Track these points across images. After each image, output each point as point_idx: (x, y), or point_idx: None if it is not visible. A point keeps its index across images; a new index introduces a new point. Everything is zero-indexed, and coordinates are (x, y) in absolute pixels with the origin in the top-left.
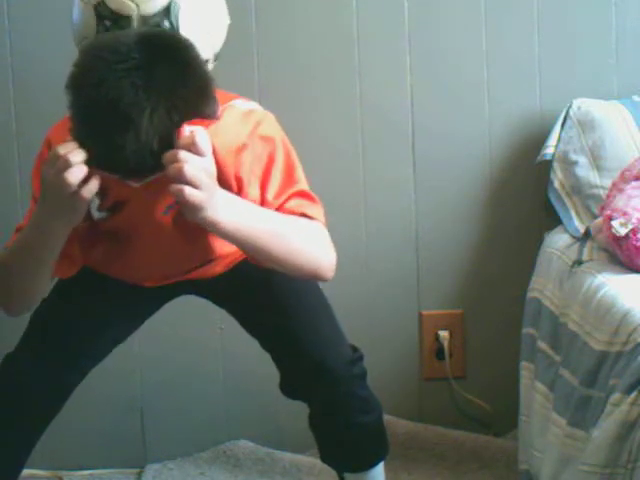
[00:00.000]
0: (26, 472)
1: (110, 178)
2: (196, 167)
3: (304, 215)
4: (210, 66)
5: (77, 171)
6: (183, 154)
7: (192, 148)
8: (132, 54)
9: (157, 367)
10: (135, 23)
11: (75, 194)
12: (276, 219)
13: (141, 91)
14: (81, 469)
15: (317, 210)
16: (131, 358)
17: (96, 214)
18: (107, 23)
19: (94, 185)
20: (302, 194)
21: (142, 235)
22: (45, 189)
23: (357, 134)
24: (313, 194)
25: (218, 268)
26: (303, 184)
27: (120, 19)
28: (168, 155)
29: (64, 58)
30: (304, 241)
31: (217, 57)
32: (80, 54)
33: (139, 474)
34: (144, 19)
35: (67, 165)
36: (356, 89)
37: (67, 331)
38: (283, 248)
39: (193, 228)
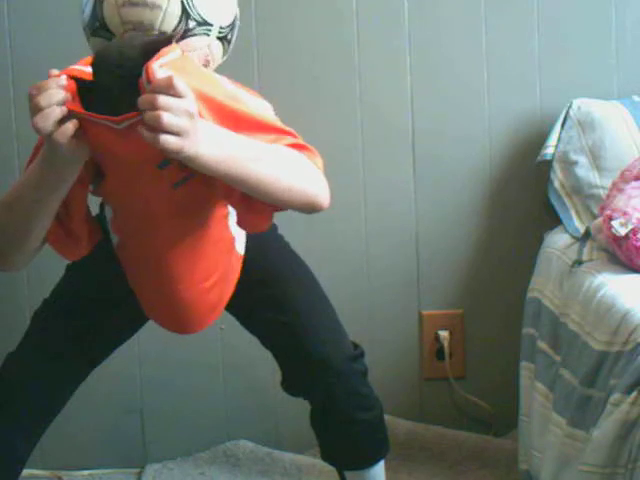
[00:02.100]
0: (26, 472)
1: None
2: (178, 112)
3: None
4: (238, 23)
5: (48, 113)
6: (162, 100)
7: (170, 91)
8: (135, 71)
9: (157, 367)
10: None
11: (50, 138)
12: (262, 146)
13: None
14: (81, 469)
15: (298, 141)
16: (131, 358)
17: (90, 187)
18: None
19: (68, 128)
20: (276, 130)
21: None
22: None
23: (357, 134)
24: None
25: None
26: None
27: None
28: (144, 99)
29: (64, 58)
30: (296, 168)
31: (237, 18)
32: (92, 68)
33: (139, 474)
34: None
35: (37, 108)
36: (356, 89)
37: (68, 331)
38: (274, 175)
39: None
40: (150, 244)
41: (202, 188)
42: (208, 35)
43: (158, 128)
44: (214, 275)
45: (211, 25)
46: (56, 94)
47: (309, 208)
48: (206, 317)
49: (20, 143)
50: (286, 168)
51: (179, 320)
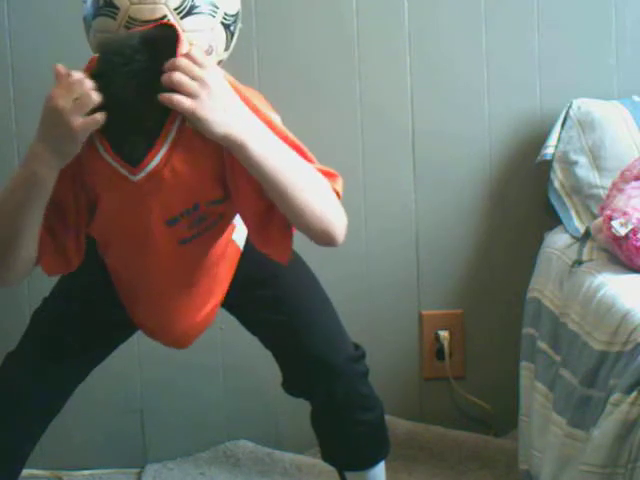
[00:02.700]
0: (26, 472)
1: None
2: (192, 75)
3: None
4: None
5: (92, 98)
6: (180, 61)
7: (188, 58)
8: (136, 56)
9: (157, 367)
10: (172, 18)
11: (74, 123)
12: (299, 160)
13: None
14: (81, 469)
15: (323, 168)
16: (131, 358)
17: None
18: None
19: (96, 119)
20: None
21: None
22: (47, 113)
23: (357, 134)
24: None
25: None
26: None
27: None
28: (167, 64)
29: (64, 58)
30: (323, 192)
31: (240, 13)
32: (97, 60)
33: (139, 474)
34: (177, 10)
35: (82, 91)
36: (356, 90)
37: (68, 331)
38: (305, 192)
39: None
40: (146, 279)
41: (210, 241)
42: (213, 17)
43: (170, 84)
44: (212, 300)
45: (217, 7)
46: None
47: (325, 237)
48: (201, 328)
49: (20, 143)
50: (314, 186)
51: (172, 339)
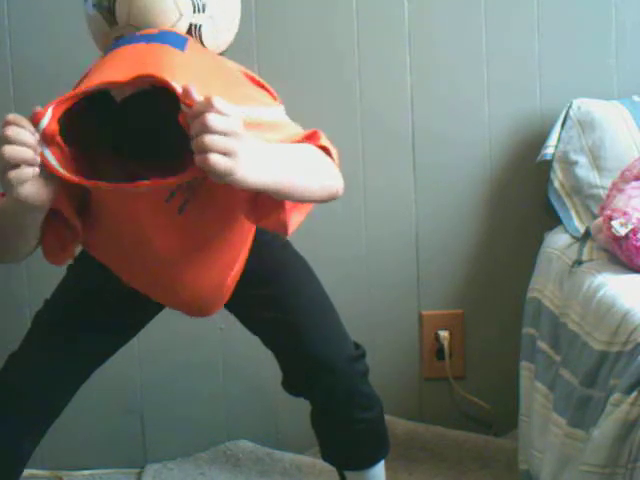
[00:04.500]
0: (26, 472)
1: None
2: (225, 132)
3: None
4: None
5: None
6: (210, 119)
7: (212, 109)
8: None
9: (157, 367)
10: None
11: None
12: (293, 157)
13: None
14: (81, 469)
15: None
16: (131, 358)
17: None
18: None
19: (27, 173)
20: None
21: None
22: None
23: (357, 135)
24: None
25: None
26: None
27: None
28: (195, 125)
29: (64, 58)
30: (321, 167)
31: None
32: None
33: (139, 474)
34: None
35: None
36: (356, 90)
37: (70, 332)
38: (306, 184)
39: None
40: (147, 249)
41: (208, 208)
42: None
43: (207, 150)
44: (235, 266)
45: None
46: (29, 137)
47: (326, 201)
48: (226, 294)
49: None
50: (315, 170)
51: (196, 309)
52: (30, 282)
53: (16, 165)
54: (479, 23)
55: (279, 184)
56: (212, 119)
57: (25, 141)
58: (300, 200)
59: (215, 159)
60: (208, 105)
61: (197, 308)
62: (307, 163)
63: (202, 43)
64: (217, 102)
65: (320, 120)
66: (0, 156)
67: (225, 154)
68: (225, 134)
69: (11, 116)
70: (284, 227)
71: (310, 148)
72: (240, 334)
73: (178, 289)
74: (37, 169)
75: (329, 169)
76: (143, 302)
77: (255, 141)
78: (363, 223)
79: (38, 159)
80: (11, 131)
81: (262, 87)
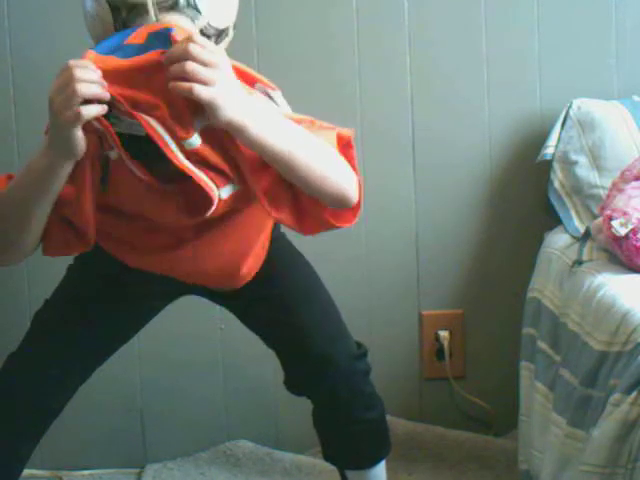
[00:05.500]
0: (26, 472)
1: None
2: (203, 62)
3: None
4: (230, 33)
5: (76, 89)
6: (191, 47)
7: (191, 41)
8: None
9: (157, 367)
10: (151, 9)
11: (62, 117)
12: (300, 133)
13: None
14: (81, 469)
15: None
16: (131, 358)
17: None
18: (123, 13)
19: (95, 109)
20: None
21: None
22: (49, 105)
23: (357, 135)
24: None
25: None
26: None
27: (135, 7)
28: (174, 52)
29: (64, 59)
30: (328, 160)
31: (235, 26)
32: None
33: (139, 474)
34: (159, 3)
35: (68, 81)
36: (356, 90)
37: (70, 332)
38: (310, 163)
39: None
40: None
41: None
42: (193, 22)
43: (187, 78)
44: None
45: (200, 13)
46: (94, 71)
47: (338, 201)
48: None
49: (20, 143)
50: (318, 156)
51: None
52: (30, 282)
53: (86, 101)
54: (479, 23)
55: (277, 149)
56: (194, 47)
57: (95, 79)
58: (303, 184)
59: (197, 88)
60: (190, 39)
61: (218, 278)
62: (317, 151)
63: (197, 8)
64: (198, 37)
65: (320, 118)
66: (71, 93)
67: (206, 84)
68: (206, 65)
69: (73, 61)
70: (296, 223)
71: (329, 147)
72: (240, 334)
73: (199, 258)
74: (105, 106)
75: (341, 168)
76: (143, 302)
77: (261, 103)
78: (363, 223)
79: (108, 95)
80: (80, 72)
81: (259, 82)
